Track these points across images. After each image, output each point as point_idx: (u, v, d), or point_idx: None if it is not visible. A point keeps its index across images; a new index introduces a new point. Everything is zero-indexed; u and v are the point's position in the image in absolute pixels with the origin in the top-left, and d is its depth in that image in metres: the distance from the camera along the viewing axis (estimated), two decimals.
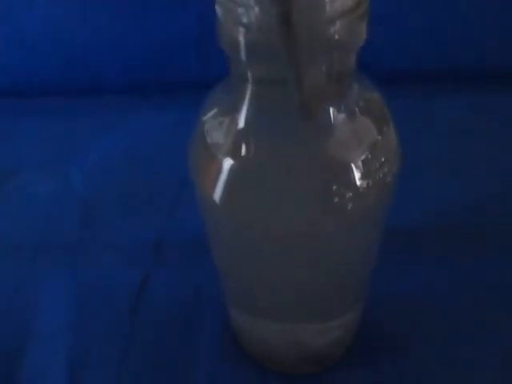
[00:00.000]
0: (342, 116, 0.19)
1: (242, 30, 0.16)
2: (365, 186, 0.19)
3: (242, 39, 0.16)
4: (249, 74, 0.18)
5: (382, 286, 0.27)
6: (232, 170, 0.19)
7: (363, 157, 0.19)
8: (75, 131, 0.44)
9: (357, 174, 0.19)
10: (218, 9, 0.17)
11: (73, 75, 0.46)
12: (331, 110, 0.18)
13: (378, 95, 0.21)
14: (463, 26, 0.43)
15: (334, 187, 0.19)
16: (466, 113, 0.42)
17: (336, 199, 0.19)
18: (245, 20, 0.16)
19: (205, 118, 0.21)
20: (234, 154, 0.19)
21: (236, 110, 0.19)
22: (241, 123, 0.19)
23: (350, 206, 0.19)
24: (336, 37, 0.16)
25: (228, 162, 0.19)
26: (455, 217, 0.35)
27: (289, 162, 0.19)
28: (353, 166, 0.19)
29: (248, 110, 0.19)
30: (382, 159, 0.20)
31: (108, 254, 0.34)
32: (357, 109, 0.19)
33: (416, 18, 0.43)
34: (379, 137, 0.20)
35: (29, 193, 0.39)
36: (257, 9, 0.15)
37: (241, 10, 0.16)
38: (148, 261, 0.33)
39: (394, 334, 0.29)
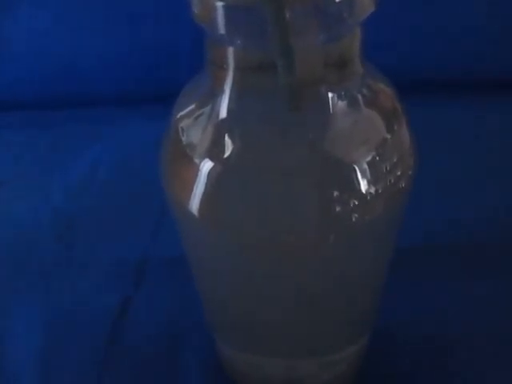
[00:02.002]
0: (342, 106, 0.17)
1: None
2: (372, 192, 0.17)
3: (219, 3, 0.14)
4: (228, 55, 0.16)
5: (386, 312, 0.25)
6: (211, 174, 0.17)
7: (369, 157, 0.17)
8: (59, 144, 0.43)
9: (362, 178, 0.17)
10: None
11: (59, 87, 0.46)
12: (329, 96, 0.16)
13: (389, 89, 0.19)
14: (477, 33, 0.43)
15: (336, 194, 0.17)
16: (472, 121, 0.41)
17: (338, 208, 0.17)
18: None
19: (179, 116, 0.19)
20: (214, 154, 0.17)
21: (215, 101, 0.17)
22: (221, 116, 0.17)
23: (354, 216, 0.17)
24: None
25: (207, 165, 0.17)
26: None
27: (280, 163, 0.17)
28: (356, 167, 0.17)
29: (229, 101, 0.17)
30: (394, 161, 0.18)
31: (85, 277, 0.32)
32: (360, 98, 0.17)
33: (424, 23, 0.42)
34: (388, 135, 0.18)
35: (7, 208, 0.38)
36: None
37: None
38: (128, 284, 0.32)
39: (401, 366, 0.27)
